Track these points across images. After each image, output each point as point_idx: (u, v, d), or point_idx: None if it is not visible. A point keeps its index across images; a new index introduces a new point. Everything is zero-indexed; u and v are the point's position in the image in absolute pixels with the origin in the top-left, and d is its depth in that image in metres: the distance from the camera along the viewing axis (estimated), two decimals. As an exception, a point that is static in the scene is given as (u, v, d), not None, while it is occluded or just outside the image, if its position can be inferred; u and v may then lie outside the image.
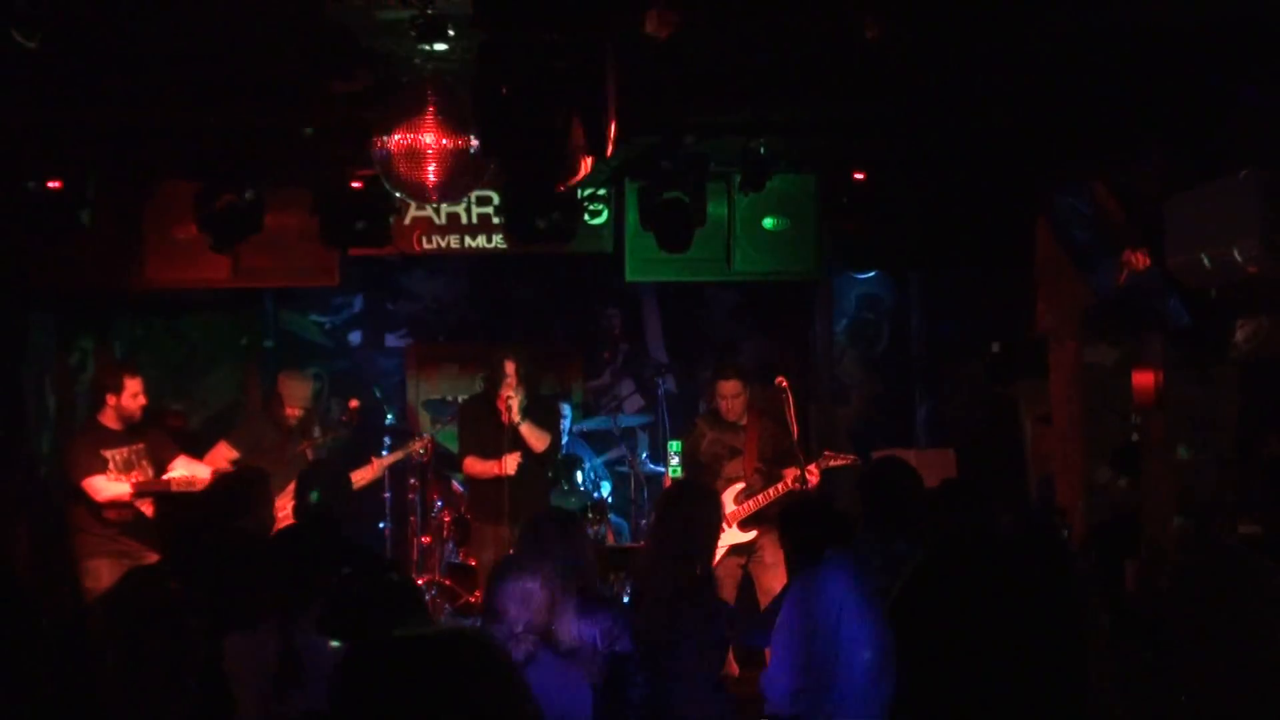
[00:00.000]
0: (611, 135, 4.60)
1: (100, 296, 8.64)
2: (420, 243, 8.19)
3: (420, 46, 5.07)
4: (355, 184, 6.98)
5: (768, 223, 8.09)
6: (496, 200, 8.00)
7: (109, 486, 6.81)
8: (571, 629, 4.06)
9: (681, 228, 7.04)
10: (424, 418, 9.56)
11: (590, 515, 8.12)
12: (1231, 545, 5.89)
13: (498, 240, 8.18)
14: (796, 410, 7.37)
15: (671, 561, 4.52)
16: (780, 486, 7.04)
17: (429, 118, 5.36)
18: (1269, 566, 2.98)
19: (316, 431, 7.78)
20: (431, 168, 5.42)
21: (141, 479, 6.91)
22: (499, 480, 7.21)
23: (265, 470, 5.87)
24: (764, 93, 6.11)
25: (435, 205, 7.84)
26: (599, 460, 9.04)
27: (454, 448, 7.90)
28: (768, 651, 4.47)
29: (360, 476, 7.37)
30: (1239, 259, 5.13)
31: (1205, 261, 5.34)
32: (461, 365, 9.63)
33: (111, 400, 6.94)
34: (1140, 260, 6.06)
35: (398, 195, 6.40)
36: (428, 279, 9.91)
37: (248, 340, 9.37)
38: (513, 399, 7.11)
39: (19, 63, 4.60)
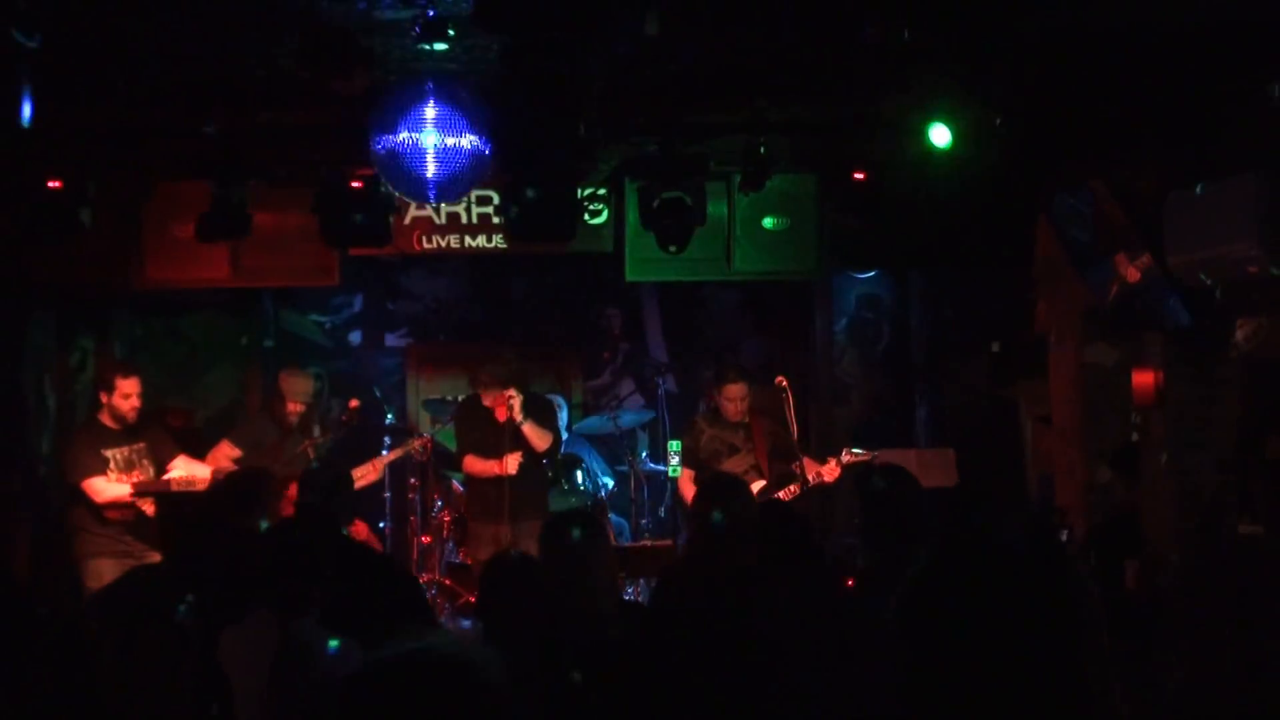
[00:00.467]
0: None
1: (100, 296, 8.64)
2: (420, 242, 8.19)
3: (421, 46, 5.07)
4: (355, 184, 6.98)
5: (768, 222, 8.08)
6: (496, 200, 8.00)
7: (109, 488, 6.81)
8: None
9: (681, 226, 7.03)
10: (424, 417, 9.56)
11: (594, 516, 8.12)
12: (1235, 540, 5.91)
13: (498, 240, 8.18)
14: (796, 410, 7.39)
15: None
16: (795, 487, 7.12)
17: (429, 117, 5.37)
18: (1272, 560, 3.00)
19: (317, 431, 7.78)
20: (431, 167, 5.42)
21: (143, 478, 6.91)
22: (498, 479, 7.22)
23: (269, 469, 5.87)
24: (764, 93, 6.10)
25: (435, 205, 7.84)
26: (599, 460, 9.03)
27: (453, 447, 7.91)
28: None
29: (360, 476, 7.38)
30: (1238, 259, 5.14)
31: (1204, 261, 5.35)
32: (461, 365, 9.63)
33: (104, 399, 6.94)
34: (1132, 273, 6.06)
35: (397, 195, 6.41)
36: (428, 279, 9.91)
37: (248, 340, 9.37)
38: (514, 398, 7.13)
39: (19, 63, 4.59)
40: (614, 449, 9.08)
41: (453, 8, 4.75)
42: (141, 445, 6.98)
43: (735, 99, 6.27)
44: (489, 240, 8.21)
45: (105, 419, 6.96)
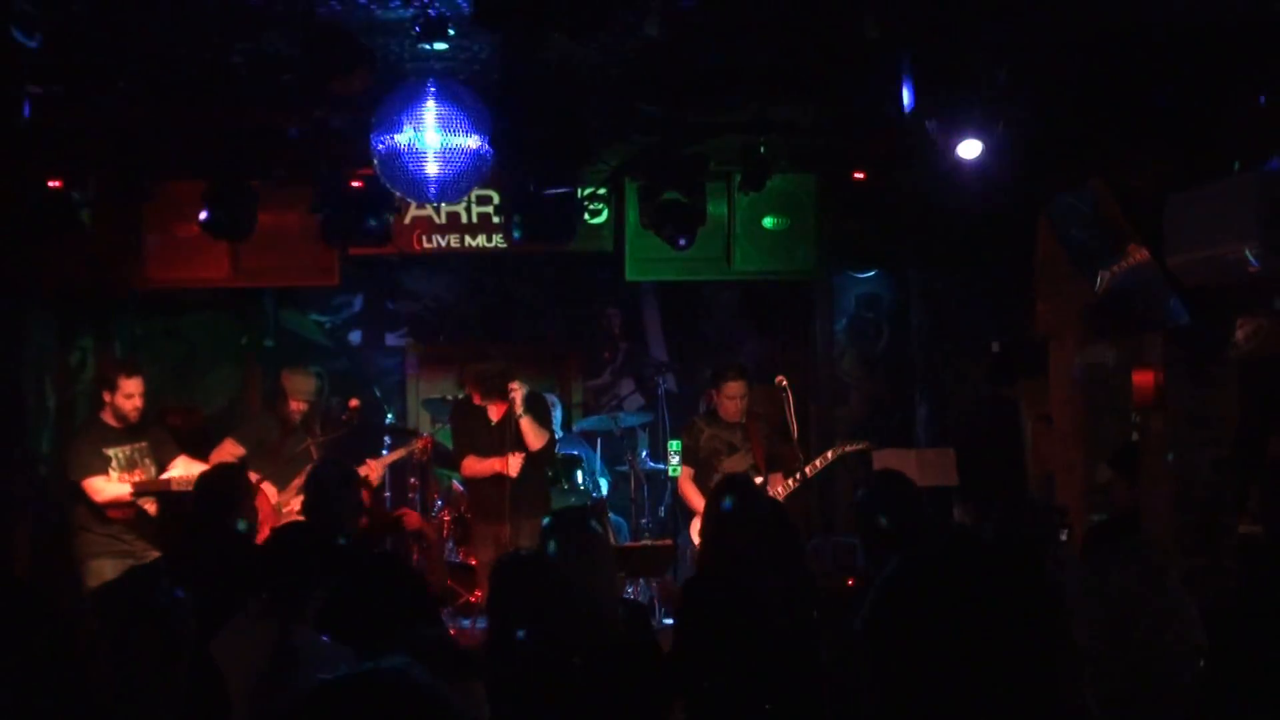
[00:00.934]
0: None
1: (100, 296, 8.64)
2: (420, 242, 8.19)
3: (421, 46, 5.07)
4: (355, 184, 6.98)
5: (768, 222, 8.09)
6: (496, 200, 8.00)
7: (108, 487, 6.81)
8: None
9: (684, 224, 7.04)
10: (424, 417, 9.56)
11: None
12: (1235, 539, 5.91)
13: (498, 239, 8.18)
14: (796, 409, 7.41)
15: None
16: (792, 481, 7.30)
17: (429, 117, 5.37)
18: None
19: (318, 430, 7.78)
20: (432, 167, 5.42)
21: (144, 477, 6.91)
22: (499, 480, 7.23)
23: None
24: (764, 93, 6.10)
25: (435, 204, 7.84)
26: (598, 460, 9.03)
27: (452, 447, 7.91)
28: None
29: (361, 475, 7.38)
30: (1238, 259, 5.14)
31: (1204, 261, 5.35)
32: (461, 365, 9.63)
33: (107, 398, 6.93)
34: (1141, 255, 6.05)
35: (397, 194, 6.41)
36: (428, 278, 9.91)
37: (248, 340, 9.37)
38: (516, 390, 7.13)
39: (19, 63, 4.60)
40: (614, 449, 9.09)
41: (453, 8, 4.76)
42: (143, 444, 6.98)
43: (735, 99, 6.27)
44: (489, 240, 8.21)
45: (107, 418, 6.96)
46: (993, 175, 6.64)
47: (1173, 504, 6.20)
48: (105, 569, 6.65)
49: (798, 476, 7.35)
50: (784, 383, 7.50)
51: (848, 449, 7.51)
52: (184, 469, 7.02)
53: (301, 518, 5.85)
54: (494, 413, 7.32)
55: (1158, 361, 6.32)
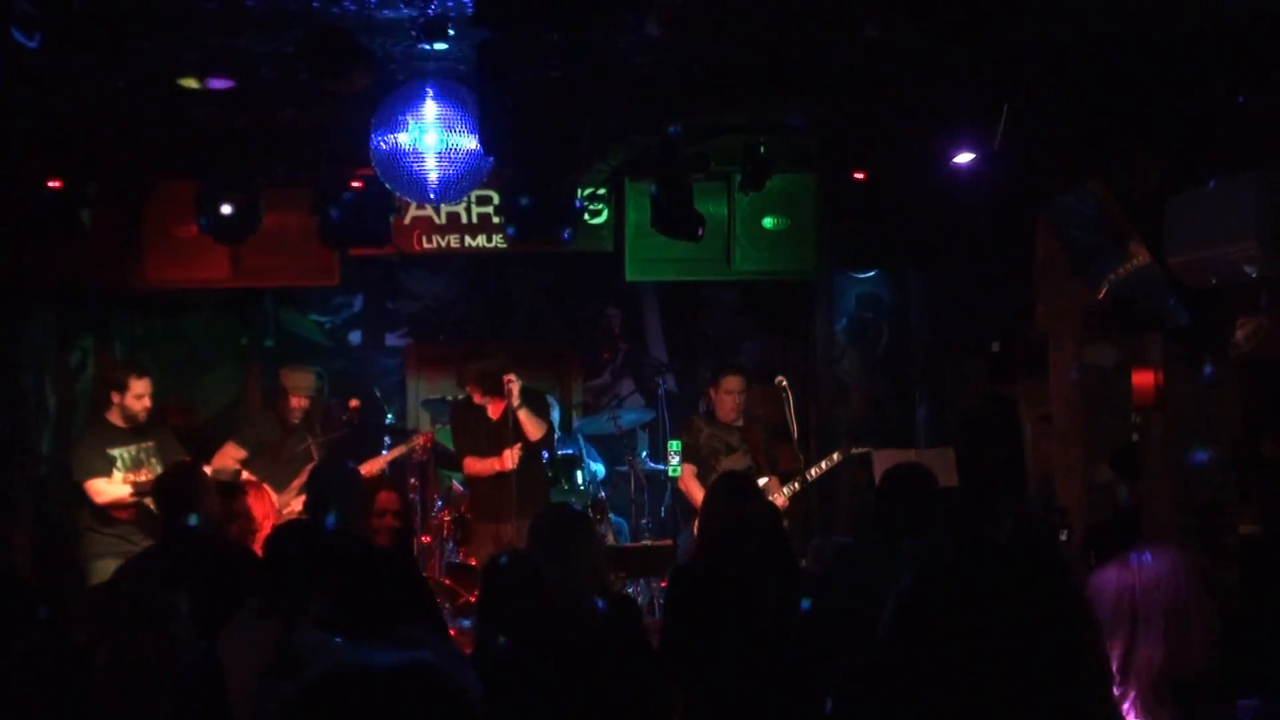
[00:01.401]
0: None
1: (100, 296, 8.64)
2: (420, 242, 8.19)
3: (421, 46, 5.07)
4: (355, 184, 6.98)
5: (768, 222, 8.09)
6: (496, 200, 8.00)
7: (109, 489, 6.81)
8: None
9: (687, 224, 7.05)
10: (423, 417, 9.56)
11: (591, 515, 8.12)
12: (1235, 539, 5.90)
13: (498, 239, 8.18)
14: (796, 409, 7.42)
15: None
16: (795, 484, 7.34)
17: (430, 117, 5.37)
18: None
19: (318, 430, 7.79)
20: (432, 167, 5.42)
21: (150, 476, 6.90)
22: (500, 478, 7.23)
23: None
24: (764, 93, 6.10)
25: (435, 204, 7.84)
26: (598, 460, 9.03)
27: (453, 447, 7.91)
28: None
29: (363, 474, 7.38)
30: (1238, 259, 5.14)
31: (1205, 261, 5.35)
32: (461, 364, 9.62)
33: (116, 398, 6.93)
34: (1143, 255, 6.05)
35: (397, 195, 6.41)
36: (428, 278, 9.91)
37: (248, 340, 9.37)
38: (513, 382, 7.12)
39: (19, 62, 4.60)
40: (614, 449, 9.08)
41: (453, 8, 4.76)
42: (150, 444, 6.97)
43: (735, 99, 6.27)
44: (489, 240, 8.21)
45: (114, 418, 6.95)
46: (992, 175, 6.65)
47: (1173, 504, 6.21)
48: (110, 569, 6.64)
49: (797, 484, 7.33)
50: (784, 383, 7.50)
51: (853, 452, 7.51)
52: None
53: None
54: (493, 411, 7.32)
55: (1158, 361, 6.32)
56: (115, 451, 6.86)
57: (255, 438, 7.46)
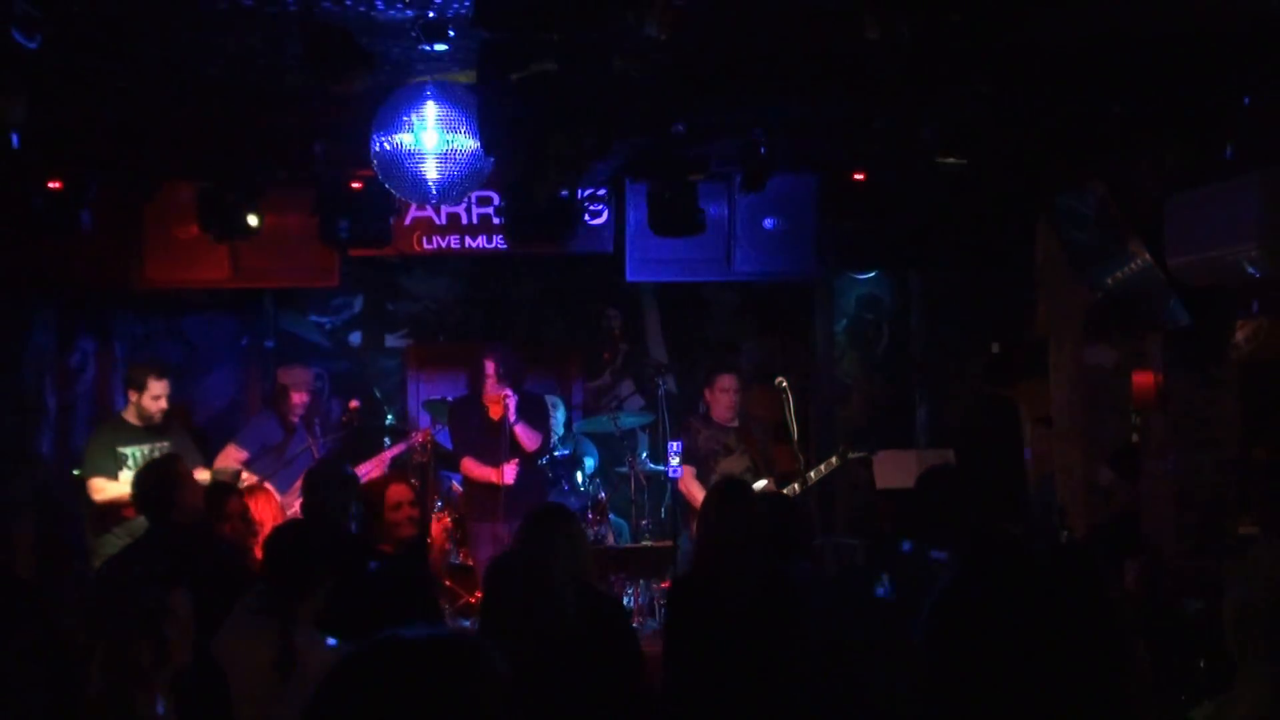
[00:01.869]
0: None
1: (101, 296, 8.65)
2: (420, 243, 8.19)
3: (421, 47, 5.07)
4: (355, 185, 6.98)
5: (768, 223, 8.08)
6: (496, 200, 8.00)
7: (109, 487, 6.81)
8: None
9: (683, 219, 7.05)
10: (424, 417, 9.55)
11: (591, 515, 8.12)
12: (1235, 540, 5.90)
13: (498, 240, 8.18)
14: (796, 410, 7.41)
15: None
16: (795, 486, 7.31)
17: (430, 118, 5.36)
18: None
19: (319, 430, 7.80)
20: (432, 168, 5.42)
21: None
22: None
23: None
24: (764, 93, 6.10)
25: (435, 205, 7.83)
26: (593, 454, 9.02)
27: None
28: None
29: (363, 472, 7.37)
30: (1239, 260, 5.14)
31: (1205, 262, 5.35)
32: (461, 366, 9.62)
33: (134, 397, 6.93)
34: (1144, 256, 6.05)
35: (397, 196, 6.40)
36: (427, 279, 9.91)
37: (248, 341, 9.38)
38: (509, 399, 7.11)
39: (19, 63, 4.60)
40: (614, 450, 9.08)
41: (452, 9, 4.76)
42: (164, 444, 6.97)
43: (735, 99, 6.26)
44: (489, 241, 8.21)
45: (130, 416, 6.96)
46: (992, 176, 6.65)
47: (1173, 504, 6.21)
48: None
49: (796, 486, 7.35)
50: (784, 384, 7.51)
51: (850, 457, 7.52)
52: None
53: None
54: (495, 411, 7.29)
55: (1158, 362, 6.33)
56: (127, 450, 6.86)
57: (257, 438, 7.47)
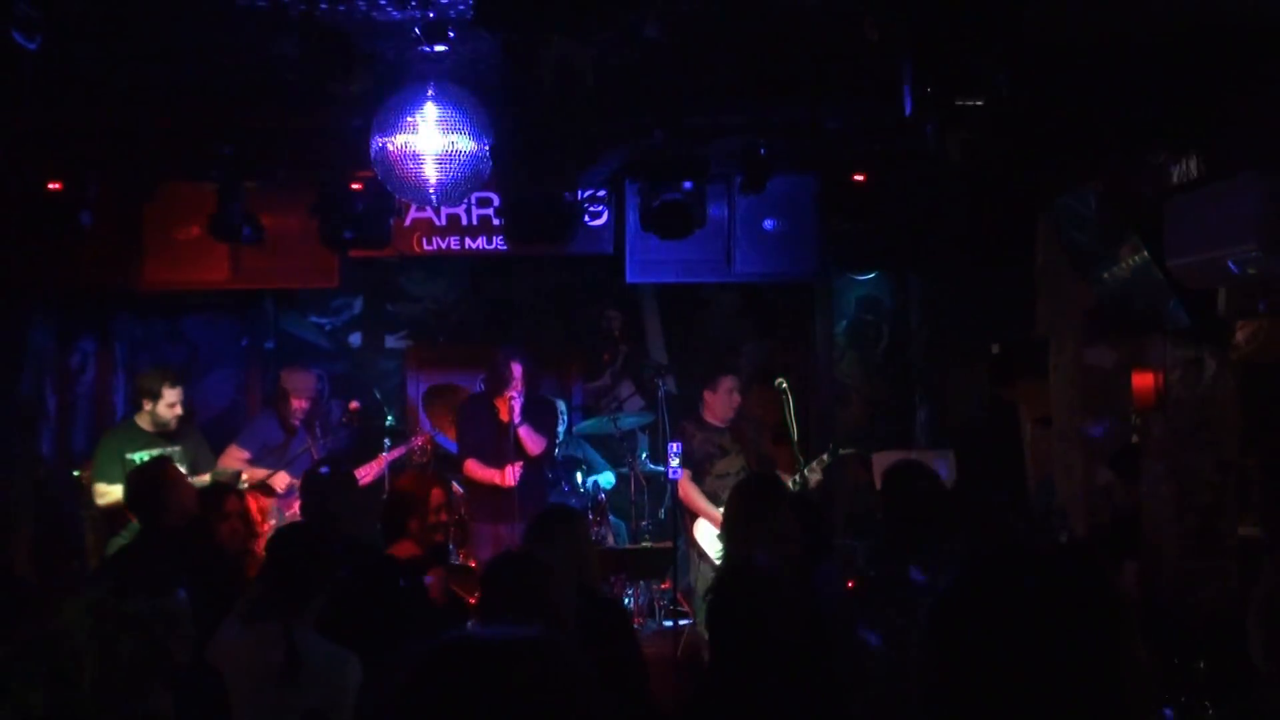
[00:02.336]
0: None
1: (101, 297, 8.65)
2: (420, 244, 8.19)
3: (421, 48, 5.07)
4: (355, 186, 6.98)
5: (768, 224, 8.09)
6: (496, 202, 8.00)
7: (111, 491, 6.81)
8: None
9: (680, 221, 7.04)
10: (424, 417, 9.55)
11: (591, 516, 8.12)
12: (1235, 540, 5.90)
13: (498, 241, 8.18)
14: (796, 411, 7.42)
15: None
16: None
17: (430, 119, 5.36)
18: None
19: (319, 431, 7.80)
20: (432, 169, 5.42)
21: None
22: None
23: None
24: (764, 93, 6.10)
25: (435, 207, 7.83)
26: (600, 460, 9.02)
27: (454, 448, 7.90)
28: None
29: (362, 474, 7.38)
30: (1240, 260, 5.13)
31: (1205, 263, 5.34)
32: (461, 366, 9.62)
33: (148, 405, 6.91)
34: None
35: (397, 197, 6.40)
36: (428, 280, 9.91)
37: (248, 342, 9.38)
38: (514, 400, 7.11)
39: (19, 63, 4.59)
40: (614, 451, 9.08)
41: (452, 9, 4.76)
42: (177, 449, 6.96)
43: (735, 99, 6.26)
44: (489, 242, 8.22)
45: (143, 422, 6.94)
46: (992, 176, 6.65)
47: (1173, 505, 6.20)
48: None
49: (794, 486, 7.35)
50: (784, 384, 7.50)
51: (841, 453, 7.54)
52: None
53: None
54: (504, 411, 7.27)
55: (1158, 362, 6.32)
56: (135, 456, 6.85)
57: (258, 440, 7.48)
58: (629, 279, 8.28)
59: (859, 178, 7.35)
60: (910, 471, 4.55)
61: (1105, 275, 6.28)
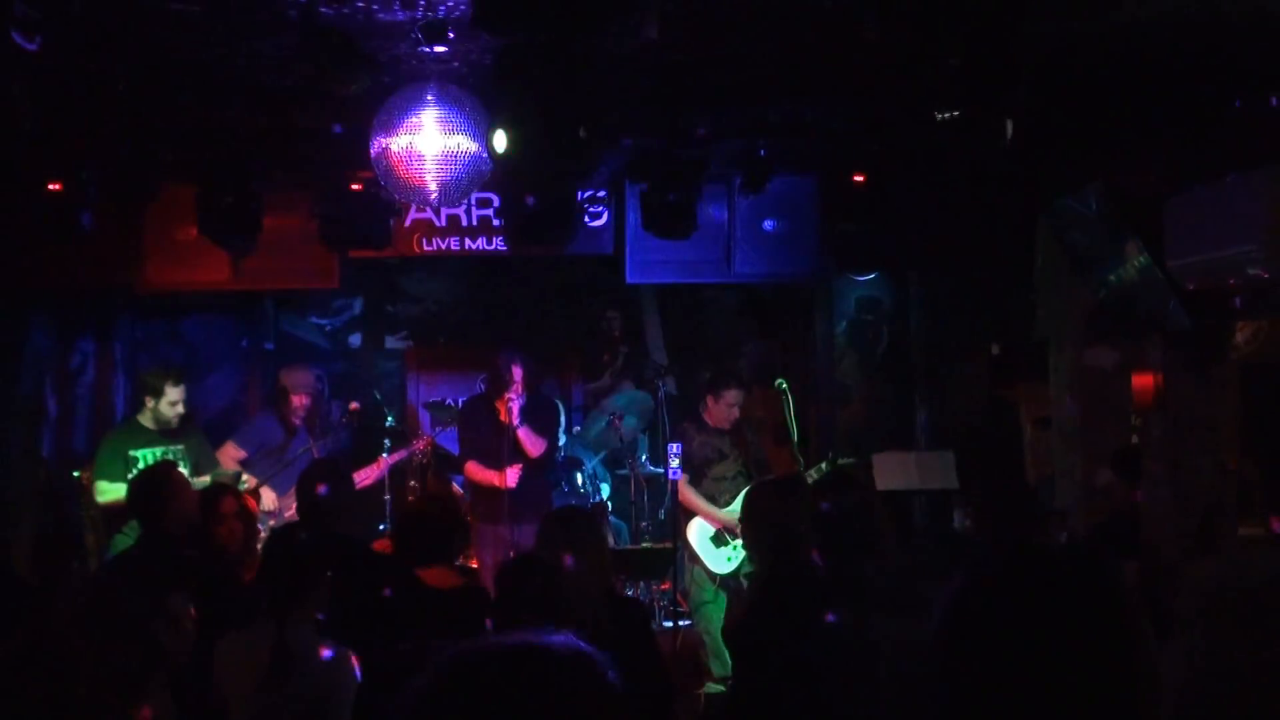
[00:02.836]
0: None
1: (101, 298, 8.65)
2: (420, 245, 8.19)
3: (421, 49, 5.07)
4: (355, 187, 6.98)
5: (768, 225, 8.09)
6: (497, 202, 8.00)
7: (111, 489, 6.81)
8: None
9: (679, 220, 7.05)
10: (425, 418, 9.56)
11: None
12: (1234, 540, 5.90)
13: (498, 242, 8.18)
14: (796, 412, 7.41)
15: None
16: None
17: (430, 119, 5.36)
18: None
19: (318, 431, 7.80)
20: (432, 170, 5.41)
21: None
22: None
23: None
24: (764, 93, 6.10)
25: (435, 207, 7.83)
26: (597, 461, 9.02)
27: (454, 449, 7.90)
28: None
29: (362, 477, 7.38)
30: (1241, 261, 5.14)
31: (1206, 264, 5.35)
32: (461, 367, 9.63)
33: (150, 403, 6.91)
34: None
35: (397, 197, 6.40)
36: (427, 281, 9.91)
37: (248, 343, 9.38)
38: (514, 401, 7.11)
39: (19, 63, 4.60)
40: (614, 452, 9.08)
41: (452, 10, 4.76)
42: (179, 447, 6.96)
43: (735, 100, 6.26)
44: (489, 243, 8.22)
45: (145, 420, 6.94)
46: (992, 176, 6.64)
47: (1173, 505, 6.20)
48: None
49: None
50: (784, 385, 7.50)
51: (840, 463, 7.51)
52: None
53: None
54: (505, 413, 7.26)
55: (1158, 363, 6.33)
56: (138, 453, 6.85)
57: (256, 439, 7.47)
58: (629, 279, 8.27)
59: (859, 178, 7.35)
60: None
61: (1106, 276, 6.28)
